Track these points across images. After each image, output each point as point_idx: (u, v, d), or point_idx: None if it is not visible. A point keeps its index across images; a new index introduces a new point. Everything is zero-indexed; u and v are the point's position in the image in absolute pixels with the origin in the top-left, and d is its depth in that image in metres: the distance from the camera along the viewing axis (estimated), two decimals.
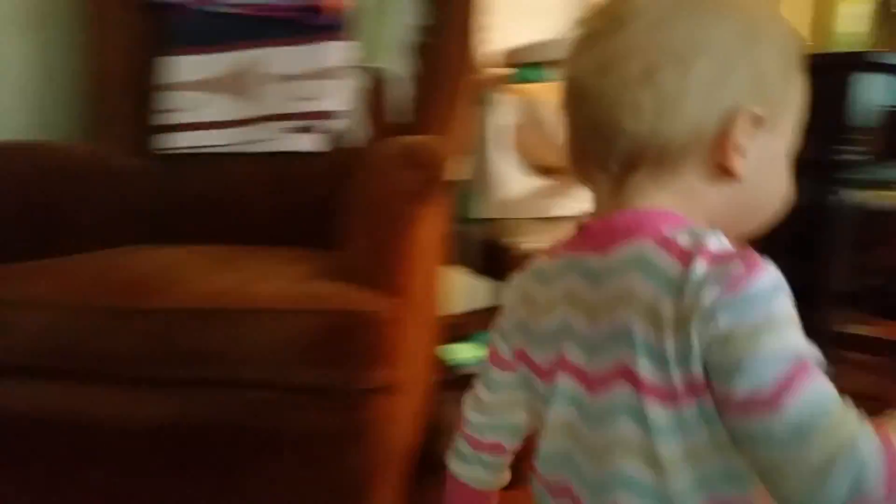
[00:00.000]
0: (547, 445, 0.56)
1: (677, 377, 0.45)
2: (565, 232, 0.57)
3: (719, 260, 0.45)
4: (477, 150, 1.51)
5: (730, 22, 0.50)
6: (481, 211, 1.50)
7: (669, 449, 0.47)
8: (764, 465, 0.44)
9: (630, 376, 0.47)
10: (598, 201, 0.55)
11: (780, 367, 0.42)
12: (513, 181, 1.50)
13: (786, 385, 0.42)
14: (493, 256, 1.46)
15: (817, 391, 0.42)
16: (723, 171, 0.50)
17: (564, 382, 0.53)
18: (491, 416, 0.65)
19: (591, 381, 0.51)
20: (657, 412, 0.46)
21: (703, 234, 0.47)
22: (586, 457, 0.52)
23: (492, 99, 1.46)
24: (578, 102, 0.53)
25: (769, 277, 0.44)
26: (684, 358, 0.45)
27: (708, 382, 0.45)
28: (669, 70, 0.49)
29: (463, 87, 1.36)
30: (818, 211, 1.64)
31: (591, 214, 0.55)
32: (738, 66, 0.50)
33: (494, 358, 0.63)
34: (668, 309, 0.45)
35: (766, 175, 0.53)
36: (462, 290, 2.03)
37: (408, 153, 1.05)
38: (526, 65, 1.52)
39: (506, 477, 0.69)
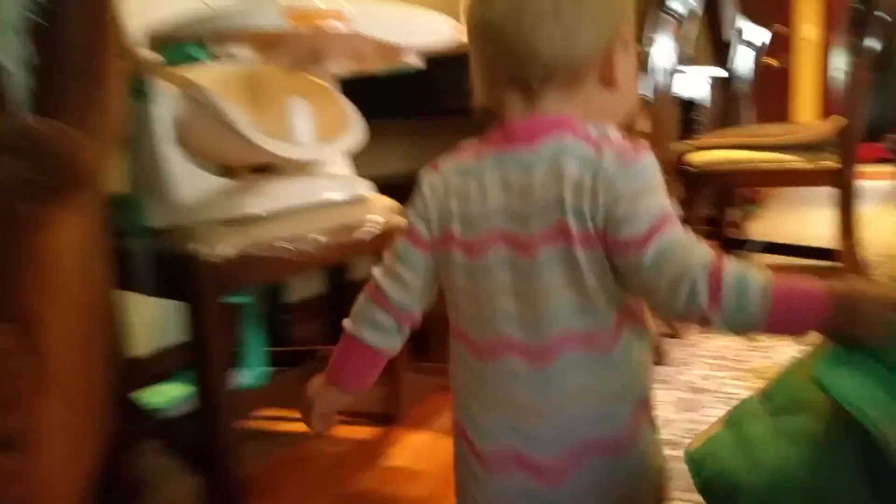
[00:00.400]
0: (483, 309, 0.71)
1: (592, 229, 0.65)
2: (480, 139, 0.75)
3: (618, 145, 0.67)
4: (140, 149, 1.27)
5: None
6: (153, 219, 1.26)
7: (591, 279, 0.66)
8: (640, 287, 0.66)
9: (565, 232, 0.66)
10: (512, 113, 0.71)
11: (655, 215, 0.64)
12: (188, 181, 1.28)
13: (654, 231, 0.63)
14: (173, 270, 1.22)
15: (674, 234, 0.64)
16: (607, 82, 0.71)
17: (498, 251, 0.69)
18: (412, 293, 0.77)
19: (525, 246, 0.68)
20: (581, 255, 0.66)
21: (605, 128, 0.69)
22: (525, 305, 0.68)
23: (149, 88, 1.24)
24: (496, 38, 0.69)
25: (650, 157, 0.66)
26: (595, 215, 0.65)
27: (606, 231, 0.65)
28: (569, 7, 0.67)
29: (101, 74, 1.12)
30: None
31: (506, 124, 0.72)
32: (612, 4, 0.70)
33: (413, 238, 0.76)
34: (587, 181, 0.65)
35: (628, 82, 0.72)
36: (152, 323, 1.75)
37: (18, 136, 0.81)
38: (179, 43, 1.33)
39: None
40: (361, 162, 1.73)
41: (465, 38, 0.77)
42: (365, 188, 1.56)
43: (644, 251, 0.62)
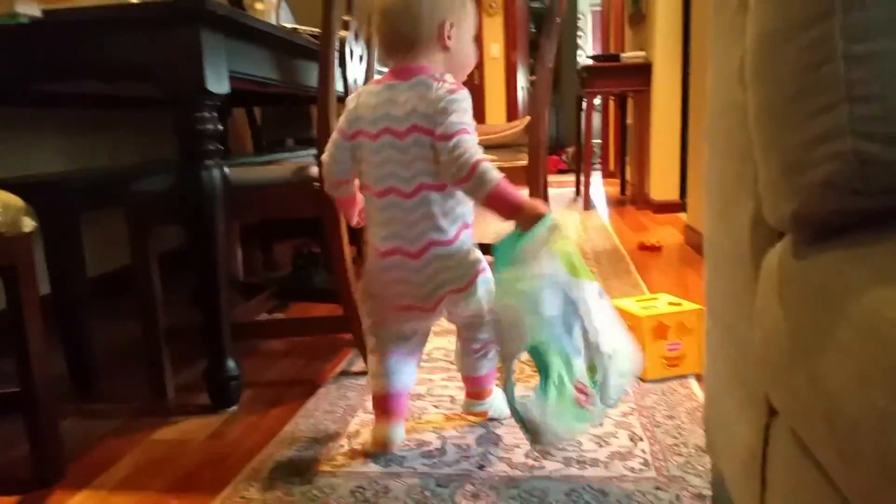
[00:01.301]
0: (379, 170, 1.22)
1: (430, 125, 1.17)
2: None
3: (448, 83, 1.20)
4: None
5: None
6: None
7: (433, 153, 1.17)
8: (441, 162, 1.16)
9: (422, 129, 1.17)
10: (397, 64, 1.24)
11: (458, 126, 1.15)
12: None
13: (458, 132, 1.14)
14: None
15: (469, 136, 1.15)
16: (443, 48, 1.24)
17: (386, 138, 1.21)
18: (343, 165, 1.28)
19: (399, 134, 1.19)
20: (426, 140, 1.17)
21: (444, 74, 1.22)
22: (400, 166, 1.20)
23: None
24: (387, 20, 1.24)
25: (464, 93, 1.20)
26: (431, 118, 1.17)
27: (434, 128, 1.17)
28: (415, 4, 1.21)
29: None
30: (195, 190, 1.43)
31: (394, 70, 1.25)
32: (441, 2, 1.23)
33: (343, 134, 1.27)
34: (433, 101, 1.18)
35: (462, 48, 1.27)
36: None
37: None
38: None
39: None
40: None
41: None
42: None
43: (447, 143, 1.14)
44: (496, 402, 1.37)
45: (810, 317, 0.49)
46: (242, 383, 1.57)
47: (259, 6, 1.94)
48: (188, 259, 1.53)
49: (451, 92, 1.17)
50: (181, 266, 2.30)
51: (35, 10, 1.27)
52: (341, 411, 1.47)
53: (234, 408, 1.53)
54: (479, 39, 1.40)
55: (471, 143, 1.14)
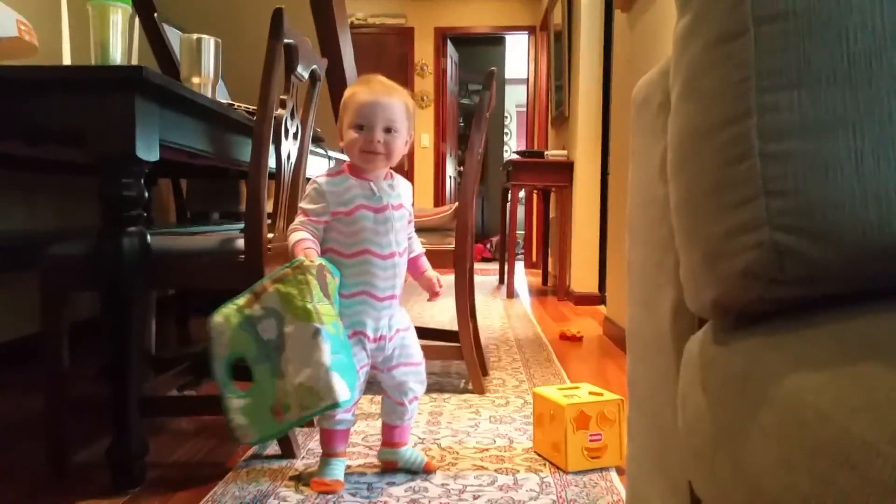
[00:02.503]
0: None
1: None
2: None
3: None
4: None
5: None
6: None
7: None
8: None
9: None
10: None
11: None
12: None
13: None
14: None
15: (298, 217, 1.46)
16: (341, 145, 1.48)
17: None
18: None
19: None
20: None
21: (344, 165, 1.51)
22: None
23: None
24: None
25: (316, 180, 1.46)
26: None
27: None
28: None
29: None
30: (115, 255, 1.37)
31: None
32: (342, 108, 1.47)
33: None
34: None
35: (348, 146, 1.45)
36: None
37: None
38: None
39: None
40: None
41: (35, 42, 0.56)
42: None
43: None
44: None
45: (733, 402, 0.51)
46: (147, 463, 1.47)
47: (196, 80, 1.94)
48: (101, 328, 1.45)
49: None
50: (92, 337, 2.18)
51: None
52: (251, 497, 1.39)
53: (137, 489, 1.42)
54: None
55: (296, 223, 1.44)
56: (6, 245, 1.78)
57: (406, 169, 6.80)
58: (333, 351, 1.27)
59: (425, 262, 1.59)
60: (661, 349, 0.75)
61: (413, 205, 1.57)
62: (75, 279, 1.51)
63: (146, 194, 1.45)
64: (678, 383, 0.66)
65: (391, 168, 1.51)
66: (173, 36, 2.65)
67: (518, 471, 1.52)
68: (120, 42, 1.57)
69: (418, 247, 1.59)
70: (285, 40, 1.59)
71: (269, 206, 1.65)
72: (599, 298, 4.10)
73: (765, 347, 0.50)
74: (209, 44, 1.97)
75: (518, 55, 8.40)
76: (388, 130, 1.41)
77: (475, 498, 1.37)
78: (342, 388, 1.25)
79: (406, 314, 1.56)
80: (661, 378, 0.75)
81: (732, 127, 0.53)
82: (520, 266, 7.16)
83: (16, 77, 1.36)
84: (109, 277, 1.40)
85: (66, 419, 1.51)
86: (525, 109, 8.04)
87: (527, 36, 7.32)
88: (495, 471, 1.52)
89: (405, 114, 1.45)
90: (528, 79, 7.35)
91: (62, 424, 1.50)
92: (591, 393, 1.62)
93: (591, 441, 1.53)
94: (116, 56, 1.55)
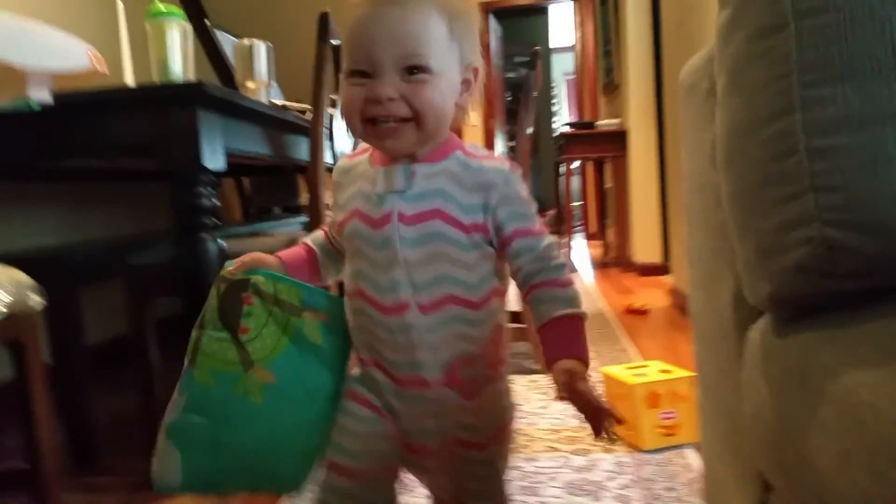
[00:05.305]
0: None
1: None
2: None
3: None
4: None
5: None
6: None
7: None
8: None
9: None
10: None
11: None
12: None
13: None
14: None
15: None
16: None
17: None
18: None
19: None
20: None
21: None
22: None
23: None
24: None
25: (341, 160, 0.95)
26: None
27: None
28: None
29: None
30: (193, 263, 1.45)
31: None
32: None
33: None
34: None
35: (347, 113, 0.87)
36: None
37: None
38: None
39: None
40: None
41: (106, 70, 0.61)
42: None
43: None
44: None
45: (793, 395, 0.52)
46: None
47: (251, 85, 2.01)
48: (186, 328, 1.55)
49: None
50: (180, 333, 2.29)
51: (46, 97, 1.31)
52: None
53: None
54: None
55: None
56: (91, 256, 1.91)
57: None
58: (191, 407, 0.87)
59: (569, 339, 0.76)
60: (724, 335, 0.76)
61: (524, 214, 0.85)
62: (158, 287, 1.62)
63: (217, 202, 1.52)
64: (741, 370, 0.67)
65: (446, 140, 0.81)
66: (223, 39, 2.73)
67: (592, 451, 1.54)
68: (179, 56, 1.64)
69: (549, 300, 0.78)
70: (332, 42, 1.63)
71: (327, 197, 1.69)
72: (664, 268, 4.04)
73: (820, 341, 0.51)
74: (261, 49, 2.03)
75: (563, 23, 8.26)
76: (409, 70, 0.74)
77: (551, 479, 1.40)
78: (172, 464, 0.87)
79: (507, 408, 0.85)
80: (726, 364, 0.76)
81: (777, 122, 0.54)
82: (579, 238, 7.11)
83: (91, 100, 1.45)
84: (189, 284, 1.48)
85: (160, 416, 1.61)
86: (574, 77, 7.91)
87: (572, 3, 7.17)
88: (570, 452, 1.54)
89: (444, 31, 0.76)
90: (574, 45, 7.22)
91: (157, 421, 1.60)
92: (660, 371, 1.61)
93: (663, 419, 1.53)
94: (177, 70, 1.62)
